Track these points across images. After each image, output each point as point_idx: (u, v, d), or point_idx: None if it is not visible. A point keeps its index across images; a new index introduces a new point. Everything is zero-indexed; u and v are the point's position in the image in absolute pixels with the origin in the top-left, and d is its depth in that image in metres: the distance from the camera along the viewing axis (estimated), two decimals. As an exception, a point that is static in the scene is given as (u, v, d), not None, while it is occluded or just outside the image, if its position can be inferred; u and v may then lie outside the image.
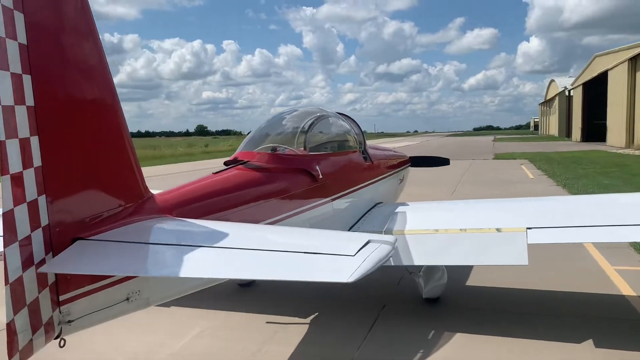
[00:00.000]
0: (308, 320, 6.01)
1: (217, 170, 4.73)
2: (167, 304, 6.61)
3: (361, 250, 2.63)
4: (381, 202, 7.07)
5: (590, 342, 5.18)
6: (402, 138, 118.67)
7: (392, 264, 5.67)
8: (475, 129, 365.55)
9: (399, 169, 8.08)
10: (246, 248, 2.80)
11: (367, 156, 6.89)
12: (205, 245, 2.81)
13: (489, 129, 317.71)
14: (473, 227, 5.69)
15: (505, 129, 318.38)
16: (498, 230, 5.52)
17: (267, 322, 5.97)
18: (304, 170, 5.25)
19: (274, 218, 4.56)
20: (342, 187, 5.92)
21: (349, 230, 6.07)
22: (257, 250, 2.79)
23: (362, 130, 7.07)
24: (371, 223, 6.24)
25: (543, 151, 40.38)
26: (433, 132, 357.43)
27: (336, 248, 2.73)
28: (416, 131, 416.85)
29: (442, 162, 9.64)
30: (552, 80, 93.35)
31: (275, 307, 6.42)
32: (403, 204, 6.98)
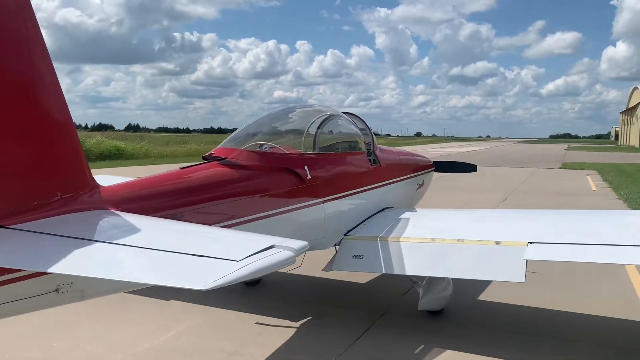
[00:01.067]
0: (298, 324, 5.84)
1: (186, 165, 4.67)
2: (166, 297, 6.68)
3: (253, 256, 2.45)
4: (391, 207, 6.79)
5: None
6: (469, 143, 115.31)
7: (384, 272, 5.46)
8: (551, 137, 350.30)
9: (416, 174, 7.74)
10: (136, 246, 2.67)
11: (375, 159, 6.62)
12: (107, 241, 2.72)
13: (566, 137, 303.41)
14: (471, 238, 5.34)
15: (584, 137, 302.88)
16: (497, 243, 5.15)
17: (257, 323, 5.85)
18: (288, 170, 5.09)
19: (245, 217, 4.43)
20: (337, 190, 5.70)
21: (346, 234, 5.86)
22: (144, 249, 2.65)
23: (372, 131, 6.80)
24: (369, 228, 5.99)
25: (616, 162, 37.93)
26: (506, 138, 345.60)
27: (224, 251, 2.56)
28: (488, 136, 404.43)
29: (469, 168, 9.16)
30: (636, 88, 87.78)
31: (271, 308, 6.29)
32: (412, 210, 6.67)
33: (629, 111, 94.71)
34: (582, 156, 49.35)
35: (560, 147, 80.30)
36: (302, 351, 5.16)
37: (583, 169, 31.63)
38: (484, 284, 7.13)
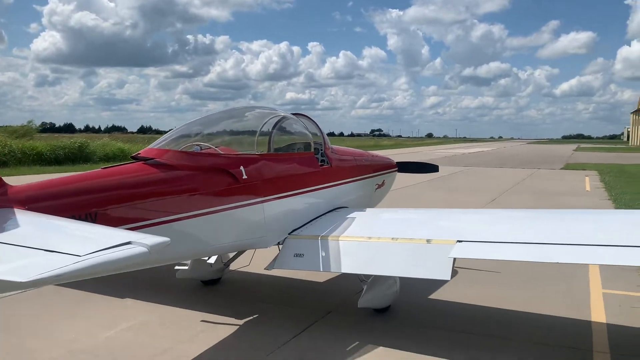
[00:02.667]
0: (242, 321, 5.95)
1: (107, 166, 4.80)
2: (121, 295, 6.83)
3: (101, 251, 2.56)
4: (345, 207, 6.88)
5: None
6: (478, 144, 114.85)
7: (321, 270, 5.55)
8: (564, 137, 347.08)
9: (375, 174, 7.82)
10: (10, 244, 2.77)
11: (326, 159, 6.72)
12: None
13: (578, 138, 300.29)
14: (405, 236, 5.42)
15: (597, 138, 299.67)
16: (428, 241, 5.23)
17: (202, 321, 5.97)
18: (221, 170, 5.19)
19: (169, 217, 4.55)
20: (279, 190, 5.80)
21: (291, 233, 5.95)
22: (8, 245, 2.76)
23: (323, 132, 6.89)
24: (314, 227, 6.08)
25: (621, 163, 37.65)
26: (519, 139, 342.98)
27: (73, 246, 2.67)
28: (501, 137, 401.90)
29: (431, 168, 9.23)
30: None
31: (221, 306, 6.40)
32: (362, 209, 6.75)
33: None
34: (588, 157, 49.00)
35: (569, 148, 79.69)
36: (234, 348, 5.26)
37: (584, 169, 31.43)
38: (437, 283, 7.20)
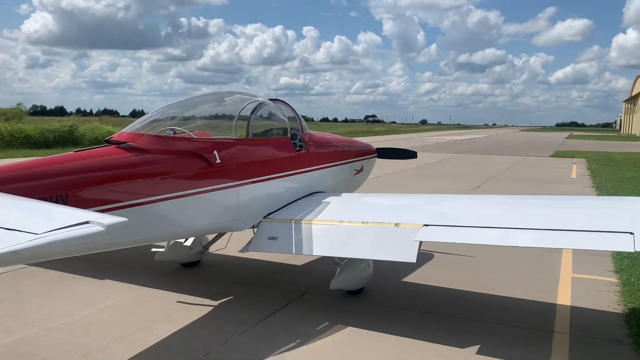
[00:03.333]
0: (217, 302, 6.09)
1: (80, 149, 4.89)
2: (102, 276, 6.96)
3: (58, 230, 2.67)
4: (322, 192, 7.00)
5: (473, 349, 4.94)
6: (471, 130, 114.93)
7: (294, 253, 5.69)
8: (557, 125, 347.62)
9: (353, 160, 7.93)
10: None
11: (303, 144, 6.82)
12: None
13: (572, 126, 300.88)
14: (375, 220, 5.56)
15: (590, 126, 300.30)
16: (396, 225, 5.37)
17: (177, 302, 6.10)
18: (194, 154, 5.29)
19: (138, 200, 4.66)
20: (254, 174, 5.90)
21: (266, 217, 6.07)
22: None
23: (300, 117, 6.98)
24: (288, 211, 6.20)
25: (610, 151, 37.89)
26: (512, 126, 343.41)
27: (31, 224, 2.78)
28: (494, 124, 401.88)
29: (409, 154, 9.36)
30: (639, 76, 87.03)
31: (198, 288, 6.53)
32: (338, 194, 6.87)
33: (632, 99, 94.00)
34: (578, 145, 49.26)
35: (561, 136, 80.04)
36: (208, 327, 5.40)
37: (573, 157, 31.68)
38: (411, 267, 7.37)
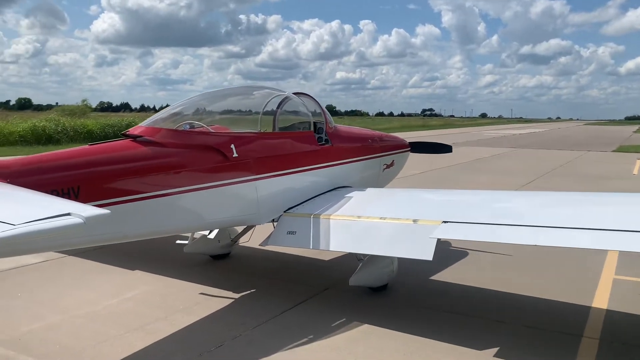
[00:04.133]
0: (238, 295, 6.13)
1: (94, 143, 5.00)
2: (132, 267, 7.16)
3: (37, 221, 2.71)
4: (347, 187, 6.91)
5: (490, 351, 4.73)
6: (532, 125, 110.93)
7: (311, 247, 5.64)
8: (627, 118, 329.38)
9: (383, 154, 7.77)
10: None
11: (327, 138, 6.75)
12: None
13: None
14: (393, 215, 5.43)
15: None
16: (415, 221, 5.23)
17: (200, 293, 6.19)
18: (210, 148, 5.32)
19: (155, 192, 4.73)
20: (273, 168, 5.88)
21: (286, 211, 6.04)
22: None
23: (325, 111, 6.90)
24: (310, 206, 6.15)
25: (682, 146, 35.64)
26: (577, 119, 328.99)
27: (11, 215, 2.82)
28: (559, 118, 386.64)
29: (444, 149, 9.06)
30: None
31: (223, 280, 6.61)
32: (362, 189, 6.76)
33: None
34: (648, 139, 46.58)
35: (629, 129, 75.87)
36: (223, 320, 5.45)
37: (638, 152, 29.99)
38: (441, 264, 7.17)
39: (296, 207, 6.13)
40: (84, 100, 61.85)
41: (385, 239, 5.26)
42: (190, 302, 5.90)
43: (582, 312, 5.71)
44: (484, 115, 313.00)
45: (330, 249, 5.52)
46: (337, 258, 7.59)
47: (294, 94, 6.85)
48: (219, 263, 7.44)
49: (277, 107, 6.42)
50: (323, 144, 6.71)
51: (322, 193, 6.52)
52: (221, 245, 7.33)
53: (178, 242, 6.88)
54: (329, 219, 5.69)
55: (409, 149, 8.57)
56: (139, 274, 6.93)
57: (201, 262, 7.42)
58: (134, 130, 5.25)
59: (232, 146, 5.45)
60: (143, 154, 4.89)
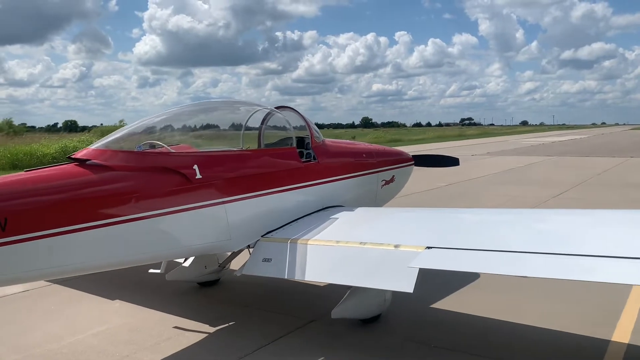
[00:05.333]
0: (214, 329, 5.63)
1: (30, 169, 4.59)
2: (113, 296, 6.75)
3: None
4: (339, 206, 6.35)
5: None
6: (574, 131, 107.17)
7: (286, 277, 5.09)
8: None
9: (380, 169, 7.17)
10: None
11: (312, 154, 6.21)
12: None
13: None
14: (375, 240, 4.84)
15: None
16: (396, 246, 4.61)
17: (174, 327, 5.71)
18: (169, 170, 4.84)
19: (95, 222, 4.26)
20: (246, 189, 5.37)
21: (264, 235, 5.51)
22: None
23: (311, 125, 6.36)
24: (291, 229, 5.61)
25: None
26: (624, 124, 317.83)
27: None
28: (604, 123, 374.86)
29: (450, 162, 8.37)
30: None
31: (202, 311, 6.12)
32: (351, 209, 6.18)
33: None
34: (696, 143, 44.17)
35: (678, 133, 72.45)
36: (190, 358, 4.95)
37: (686, 156, 28.28)
38: (445, 289, 6.50)
39: (275, 231, 5.60)
40: (121, 121, 63.33)
41: (362, 268, 4.68)
42: (162, 338, 5.43)
43: (598, 346, 4.98)
44: (524, 123, 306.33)
45: (305, 279, 4.95)
46: (330, 284, 6.98)
47: (277, 108, 6.35)
48: (204, 291, 6.94)
49: (247, 122, 5.93)
50: (309, 161, 6.17)
51: (307, 214, 5.98)
52: (208, 271, 6.84)
53: (151, 271, 6.45)
54: (307, 244, 5.15)
55: (412, 162, 7.93)
56: (117, 304, 6.52)
57: (188, 290, 6.96)
58: (79, 153, 4.81)
59: (195, 167, 4.97)
60: (86, 179, 4.43)
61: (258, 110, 6.08)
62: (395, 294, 5.69)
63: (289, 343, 5.25)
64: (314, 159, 6.23)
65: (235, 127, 6.11)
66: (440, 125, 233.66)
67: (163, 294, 6.80)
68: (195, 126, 6.00)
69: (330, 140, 6.88)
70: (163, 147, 5.16)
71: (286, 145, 6.16)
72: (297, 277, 4.95)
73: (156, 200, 4.69)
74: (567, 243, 4.26)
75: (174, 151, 5.14)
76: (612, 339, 5.11)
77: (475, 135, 77.73)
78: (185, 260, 6.44)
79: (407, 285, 4.23)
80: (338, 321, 5.44)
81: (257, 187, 5.47)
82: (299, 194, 5.92)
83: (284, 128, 6.20)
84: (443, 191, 16.39)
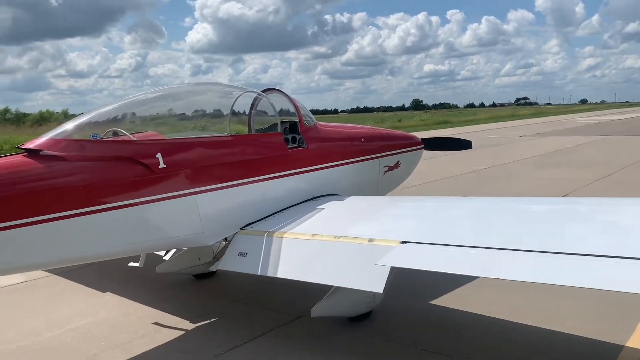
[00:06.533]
0: (192, 326, 5.34)
1: None
2: (102, 289, 6.60)
3: None
4: (332, 195, 5.92)
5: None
6: (634, 109, 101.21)
7: (259, 273, 4.74)
8: None
9: (382, 154, 6.65)
10: None
11: (300, 139, 5.78)
12: None
13: None
14: (349, 234, 4.40)
15: None
16: (370, 241, 4.16)
17: (153, 323, 5.46)
18: (129, 160, 4.52)
19: (44, 217, 4.00)
20: (221, 178, 5.01)
21: (243, 228, 5.17)
22: None
23: (300, 109, 5.91)
24: (271, 221, 5.23)
25: None
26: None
27: None
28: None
29: (462, 145, 7.70)
30: None
31: (183, 306, 5.85)
32: (341, 198, 5.74)
33: None
34: None
35: None
36: (163, 357, 4.70)
37: None
38: (448, 285, 5.97)
39: (255, 224, 5.23)
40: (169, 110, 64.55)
41: (333, 265, 4.25)
42: (138, 334, 5.19)
43: (611, 351, 4.37)
44: (584, 102, 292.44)
45: (278, 276, 4.54)
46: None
47: (263, 91, 5.94)
48: (198, 285, 6.65)
49: (232, 107, 5.54)
50: (297, 146, 5.75)
51: (294, 205, 5.58)
52: (202, 263, 6.55)
53: (131, 264, 6.21)
54: (282, 237, 4.76)
55: (421, 146, 7.35)
56: (107, 296, 6.36)
57: (180, 282, 6.70)
58: (30, 144, 4.53)
59: (159, 156, 4.63)
60: (32, 170, 4.16)
61: (242, 95, 5.70)
62: (387, 288, 5.27)
63: (271, 339, 4.94)
64: (303, 145, 5.80)
65: (218, 113, 5.76)
66: (494, 105, 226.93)
67: (160, 286, 6.58)
68: (167, 112, 5.67)
69: (325, 124, 6.42)
70: (125, 135, 4.84)
71: (273, 130, 5.75)
72: (270, 274, 4.56)
73: (115, 191, 4.39)
74: (571, 239, 3.67)
75: (135, 139, 4.82)
76: (626, 344, 4.48)
77: (529, 115, 74.62)
78: (165, 254, 6.15)
79: (377, 285, 3.78)
80: (322, 318, 5.05)
81: (232, 177, 5.11)
82: (283, 183, 5.52)
83: (266, 113, 5.79)
84: (477, 174, 15.59)
